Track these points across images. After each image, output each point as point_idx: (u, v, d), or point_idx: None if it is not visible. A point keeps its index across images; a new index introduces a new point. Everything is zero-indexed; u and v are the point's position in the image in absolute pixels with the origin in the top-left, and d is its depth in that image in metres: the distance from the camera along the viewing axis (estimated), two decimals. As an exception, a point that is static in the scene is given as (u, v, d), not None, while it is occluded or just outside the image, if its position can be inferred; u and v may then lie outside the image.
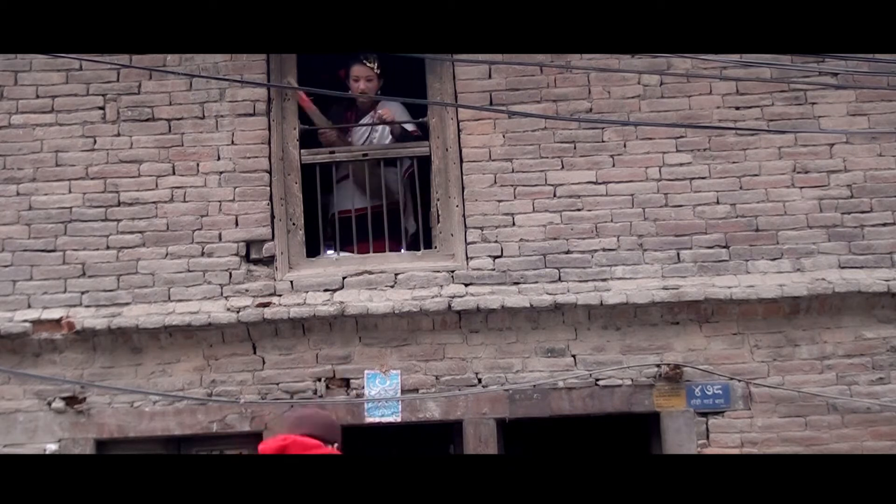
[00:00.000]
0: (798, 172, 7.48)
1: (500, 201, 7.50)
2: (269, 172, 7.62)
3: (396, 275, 7.46)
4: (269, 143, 7.66)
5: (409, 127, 8.04)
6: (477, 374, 7.32)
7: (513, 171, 7.53)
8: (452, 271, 7.45)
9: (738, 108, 7.58)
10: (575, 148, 7.56)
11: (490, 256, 7.43)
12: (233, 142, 7.62)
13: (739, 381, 7.21)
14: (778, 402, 7.21)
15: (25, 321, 7.31)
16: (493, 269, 7.40)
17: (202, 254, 7.48)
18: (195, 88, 7.68)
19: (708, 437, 7.18)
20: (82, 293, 7.43)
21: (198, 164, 7.60)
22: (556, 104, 7.60)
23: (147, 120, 7.66)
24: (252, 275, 7.46)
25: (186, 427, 7.29)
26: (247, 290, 7.41)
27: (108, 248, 7.49)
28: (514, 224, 7.47)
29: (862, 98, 7.54)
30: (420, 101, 7.75)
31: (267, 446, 4.15)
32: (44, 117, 7.67)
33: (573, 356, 7.32)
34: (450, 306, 7.26)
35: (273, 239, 7.53)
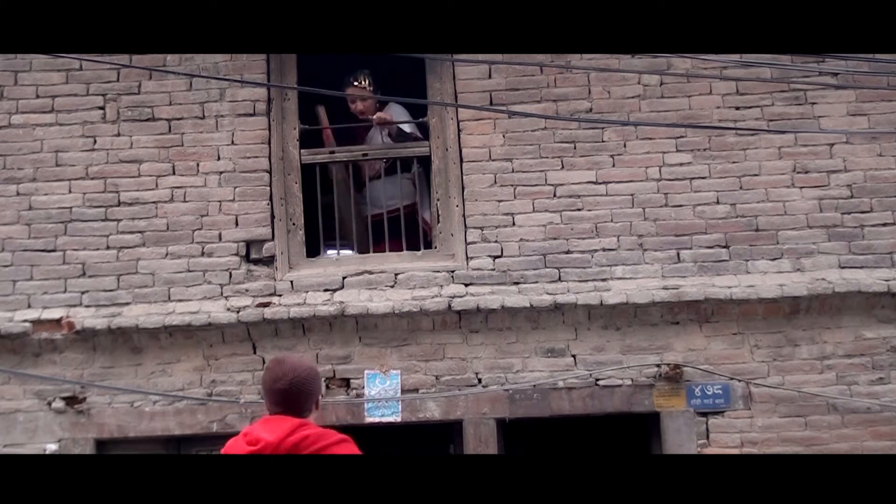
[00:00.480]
0: (798, 172, 7.48)
1: (500, 201, 7.51)
2: (269, 172, 7.63)
3: (396, 275, 7.47)
4: (269, 143, 7.67)
5: (408, 128, 8.05)
6: (477, 374, 7.32)
7: (513, 171, 7.54)
8: (452, 271, 7.45)
9: (738, 108, 7.58)
10: (575, 148, 7.56)
11: (490, 256, 7.43)
12: (233, 142, 7.62)
13: (739, 381, 7.21)
14: (778, 402, 7.21)
15: (25, 321, 7.32)
16: (493, 269, 7.41)
17: (202, 254, 7.48)
18: (195, 88, 7.68)
19: (708, 437, 7.18)
20: (82, 293, 7.43)
21: (198, 164, 7.60)
22: (556, 104, 7.60)
23: (147, 120, 7.66)
24: (252, 275, 7.46)
25: (186, 427, 7.29)
26: (247, 290, 7.41)
27: (108, 247, 7.49)
28: (514, 224, 7.47)
29: (862, 98, 7.54)
30: (420, 101, 7.76)
31: (272, 440, 3.94)
32: (44, 117, 7.68)
33: (573, 356, 7.32)
34: (450, 306, 7.26)
35: (273, 239, 7.53)
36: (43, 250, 7.50)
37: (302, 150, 7.82)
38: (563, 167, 7.53)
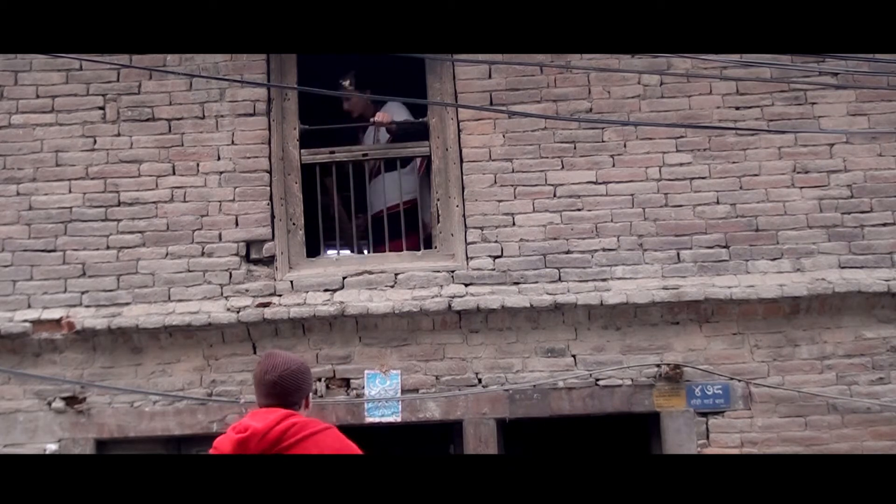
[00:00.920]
0: (798, 172, 7.48)
1: (500, 201, 7.51)
2: (269, 172, 7.63)
3: (396, 275, 7.47)
4: (270, 143, 7.67)
5: (403, 115, 8.05)
6: (477, 374, 7.32)
7: (513, 171, 7.54)
8: (452, 271, 7.45)
9: (738, 108, 7.58)
10: (575, 148, 7.56)
11: (490, 256, 7.43)
12: (233, 142, 7.63)
13: (739, 381, 7.21)
14: (778, 402, 7.21)
15: (25, 321, 7.32)
16: (493, 269, 7.41)
17: (202, 254, 7.49)
18: (195, 88, 7.68)
19: (708, 437, 7.18)
20: (82, 293, 7.43)
21: (198, 164, 7.61)
22: (556, 104, 7.60)
23: (147, 120, 7.66)
24: (252, 275, 7.46)
25: (186, 427, 7.29)
26: (247, 290, 7.41)
27: (108, 248, 7.49)
28: (514, 224, 7.47)
29: (862, 98, 7.55)
30: (420, 101, 7.76)
31: (260, 428, 3.91)
32: (44, 117, 7.68)
33: (573, 356, 7.33)
34: (450, 306, 7.26)
35: (273, 239, 7.53)
36: (43, 250, 7.50)
37: (302, 150, 7.82)
38: (563, 167, 7.53)
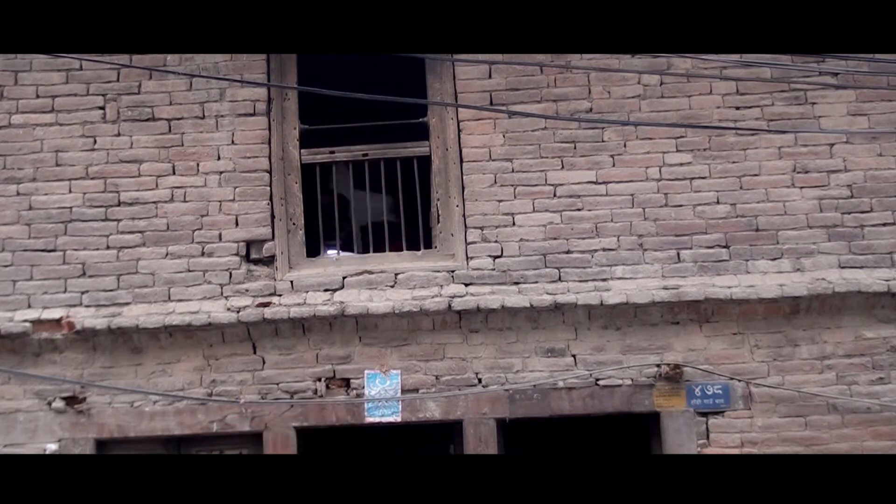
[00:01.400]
0: (798, 172, 7.48)
1: (500, 201, 7.51)
2: (270, 172, 7.63)
3: (396, 275, 7.47)
4: (270, 143, 7.67)
5: None
6: (477, 373, 7.32)
7: (513, 171, 7.54)
8: (452, 271, 7.45)
9: (738, 108, 7.58)
10: (575, 148, 7.56)
11: (490, 256, 7.43)
12: (233, 141, 7.63)
13: (739, 380, 7.21)
14: (778, 402, 7.21)
15: (25, 321, 7.32)
16: (493, 269, 7.41)
17: (202, 254, 7.49)
18: (195, 88, 7.68)
19: (708, 437, 7.18)
20: (82, 293, 7.43)
21: (198, 164, 7.61)
22: (556, 104, 7.60)
23: (147, 120, 7.66)
24: (252, 274, 7.46)
25: (186, 427, 7.29)
26: (247, 290, 7.41)
27: (108, 247, 7.49)
28: (514, 224, 7.47)
29: (862, 98, 7.54)
30: (420, 101, 7.75)
31: None
32: (44, 117, 7.68)
33: (573, 356, 7.32)
34: (450, 306, 7.26)
35: (273, 239, 7.53)
36: (43, 250, 7.50)
37: (302, 150, 7.82)
38: (563, 167, 7.53)
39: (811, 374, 7.25)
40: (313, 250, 8.09)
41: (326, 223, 8.22)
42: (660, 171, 7.51)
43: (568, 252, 7.43)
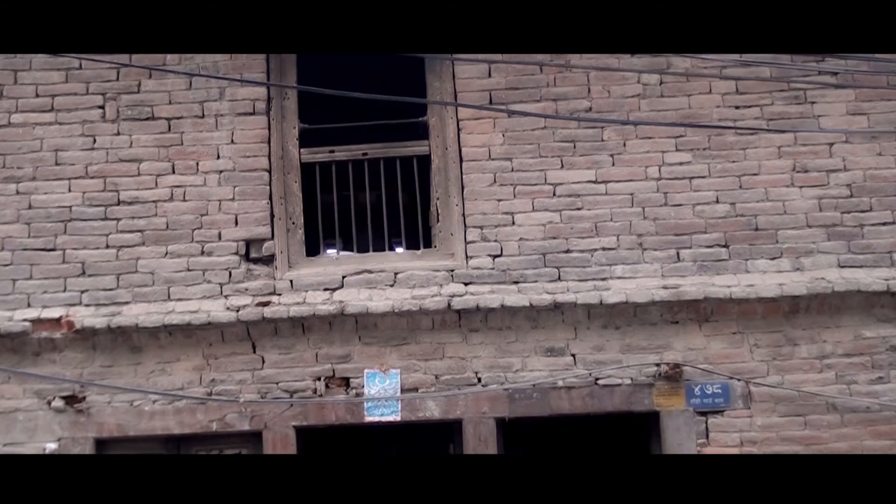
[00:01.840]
0: (798, 172, 7.49)
1: (499, 200, 7.51)
2: (269, 171, 7.63)
3: (396, 274, 7.47)
4: (269, 142, 7.67)
5: None
6: (476, 373, 7.33)
7: (512, 171, 7.54)
8: (452, 270, 7.45)
9: (737, 108, 7.58)
10: (574, 147, 7.56)
11: (490, 255, 7.43)
12: (232, 141, 7.63)
13: (739, 380, 7.21)
14: (777, 402, 7.21)
15: (25, 320, 7.31)
16: (493, 269, 7.41)
17: (202, 253, 7.49)
18: (195, 87, 7.68)
19: (707, 437, 7.18)
20: (82, 292, 7.43)
21: (197, 164, 7.60)
22: (555, 103, 7.60)
23: (147, 119, 7.66)
24: (252, 274, 7.46)
25: (186, 426, 7.29)
26: (246, 289, 7.41)
27: (107, 246, 7.49)
28: (513, 223, 7.47)
29: (862, 97, 7.55)
30: (420, 101, 7.74)
31: None
32: (43, 116, 7.68)
33: (573, 355, 7.33)
34: (449, 305, 7.26)
35: (273, 238, 7.53)
36: (42, 249, 7.50)
37: (302, 150, 7.82)
38: (562, 166, 7.53)
39: (811, 373, 7.25)
40: (313, 249, 8.10)
41: (326, 222, 8.21)
42: (659, 170, 7.51)
43: (567, 251, 7.43)
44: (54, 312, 7.36)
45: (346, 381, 7.34)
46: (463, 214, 7.54)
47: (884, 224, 7.41)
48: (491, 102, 7.58)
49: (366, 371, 7.32)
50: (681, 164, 7.52)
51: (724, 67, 7.45)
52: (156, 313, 7.31)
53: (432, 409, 7.29)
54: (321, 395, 7.28)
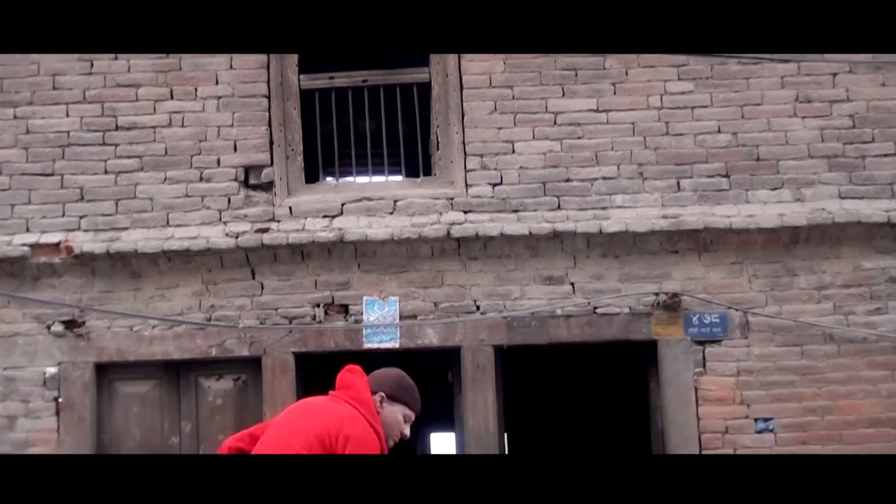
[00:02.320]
0: (800, 102, 7.44)
1: (499, 129, 7.47)
2: (268, 98, 7.58)
3: (395, 201, 7.44)
4: (268, 68, 7.61)
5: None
6: (475, 301, 7.34)
7: (513, 99, 7.49)
8: (451, 198, 7.43)
9: (741, 36, 7.51)
10: (576, 75, 7.51)
11: (489, 184, 7.41)
12: (231, 66, 7.57)
13: (737, 310, 7.24)
14: (775, 332, 7.24)
15: (24, 245, 7.31)
16: (493, 197, 7.39)
17: (200, 179, 7.46)
18: (193, 12, 7.60)
19: (705, 366, 7.22)
20: (80, 217, 7.42)
21: (196, 89, 7.55)
22: (557, 31, 7.53)
23: (145, 43, 7.59)
24: (251, 200, 7.44)
25: (185, 351, 7.33)
26: (245, 216, 7.40)
27: (106, 172, 7.46)
28: (513, 152, 7.44)
29: (866, 27, 7.48)
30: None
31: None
32: (40, 40, 7.60)
33: (572, 284, 7.34)
34: (449, 233, 7.25)
35: (272, 165, 7.50)
36: (41, 174, 7.47)
37: (301, 76, 7.76)
38: (563, 95, 7.48)
39: (809, 303, 7.27)
40: (312, 177, 8.07)
41: (325, 150, 8.17)
42: (661, 99, 7.47)
43: (567, 180, 7.41)
44: (53, 237, 7.36)
45: (345, 309, 7.36)
46: (463, 142, 7.51)
47: (885, 155, 7.39)
48: (492, 29, 7.50)
49: (365, 298, 7.33)
50: (683, 93, 7.47)
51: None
52: (155, 239, 7.31)
53: (431, 337, 7.31)
54: (320, 322, 7.29)
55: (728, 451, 7.12)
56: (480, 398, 7.27)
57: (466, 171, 7.45)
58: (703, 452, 7.11)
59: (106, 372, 7.41)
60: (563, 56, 7.47)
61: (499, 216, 7.34)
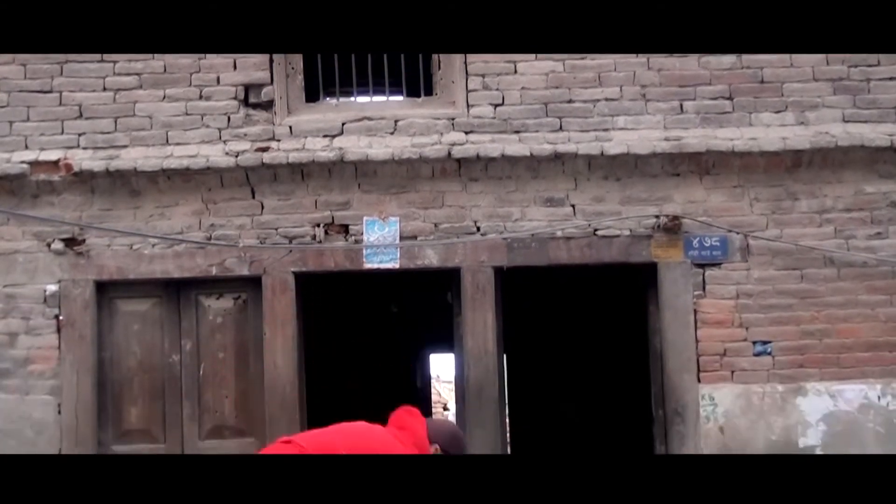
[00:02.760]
0: (806, 23, 7.36)
1: (502, 48, 7.39)
2: (268, 15, 7.48)
3: (396, 121, 7.39)
4: (268, -15, 7.50)
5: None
6: (476, 222, 7.33)
7: (516, 18, 7.40)
8: (453, 119, 7.38)
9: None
10: (580, -5, 7.41)
11: (491, 104, 7.36)
12: (231, -17, 7.46)
13: (738, 233, 7.23)
14: (775, 255, 7.24)
15: (23, 162, 7.27)
16: (494, 118, 7.34)
17: (200, 97, 7.40)
18: (192, -74, 7.48)
19: (704, 289, 7.23)
20: (79, 135, 7.37)
21: (195, 5, 7.46)
22: (561, -52, 7.42)
23: (143, -42, 7.48)
24: (251, 119, 7.39)
25: (186, 270, 7.33)
26: (245, 135, 7.35)
27: (104, 89, 7.40)
28: (515, 72, 7.37)
29: (875, -53, 7.37)
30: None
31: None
32: (37, -46, 7.50)
33: (572, 206, 7.32)
34: (450, 154, 7.22)
35: (272, 83, 7.44)
36: (39, 91, 7.41)
37: (301, -7, 7.65)
38: (567, 14, 7.39)
39: (809, 227, 7.27)
40: (312, 96, 8.00)
41: (326, 68, 8.09)
42: (665, 19, 7.37)
43: (570, 101, 7.35)
44: (52, 155, 7.32)
45: (345, 228, 7.35)
46: (465, 62, 7.44)
47: (890, 79, 7.34)
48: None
49: (365, 218, 7.32)
50: (687, 13, 7.37)
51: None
52: (154, 157, 7.27)
53: (431, 257, 7.31)
54: (320, 242, 7.29)
55: (726, 373, 7.16)
56: (480, 319, 7.29)
57: (468, 91, 7.39)
58: (701, 374, 7.16)
59: (106, 290, 7.42)
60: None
61: (500, 137, 7.29)
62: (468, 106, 7.38)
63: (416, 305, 10.71)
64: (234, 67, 7.41)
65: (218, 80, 7.41)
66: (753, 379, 7.18)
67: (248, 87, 7.42)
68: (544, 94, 7.35)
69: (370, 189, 7.35)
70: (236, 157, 7.25)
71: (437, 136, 7.32)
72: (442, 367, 20.68)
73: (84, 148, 7.35)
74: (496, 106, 7.36)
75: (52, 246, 7.32)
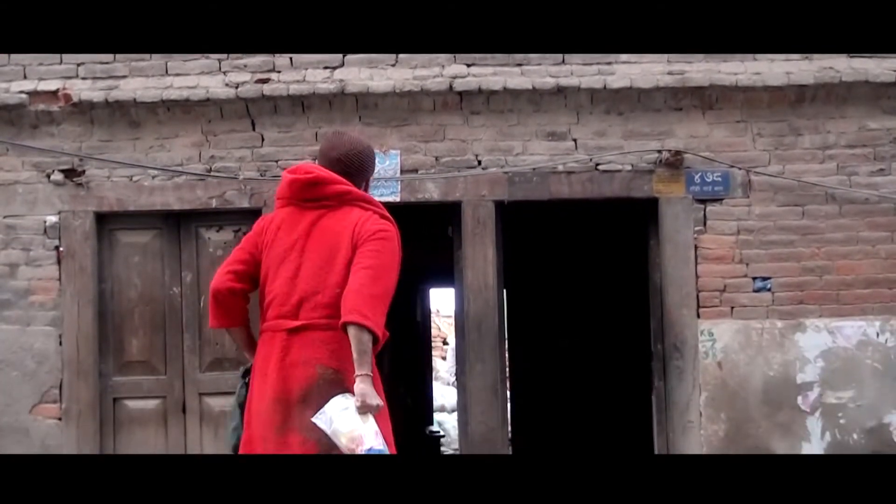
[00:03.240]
0: (813, -44, 7.27)
1: (504, -21, 7.31)
2: (268, -56, 7.40)
3: (397, 54, 7.33)
4: (268, -87, 7.41)
5: None
6: (477, 155, 7.30)
7: (519, -51, 7.31)
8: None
9: None
10: (584, -75, 7.32)
11: (493, 37, 7.28)
12: (230, -90, 7.37)
13: (740, 168, 7.20)
14: (777, 191, 7.22)
15: (22, 92, 7.24)
16: (496, 50, 7.28)
17: (200, 27, 7.33)
18: None
19: (705, 224, 7.22)
20: (78, 65, 7.31)
21: (194, -66, 7.37)
22: None
23: None
24: (251, 50, 7.33)
25: (186, 202, 7.32)
26: (245, 66, 7.29)
27: (103, 18, 7.33)
28: (518, 4, 7.29)
29: None
30: None
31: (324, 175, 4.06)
32: None
33: (574, 140, 7.28)
34: (451, 87, 7.17)
35: (272, 13, 7.36)
36: (37, 20, 7.34)
37: (302, -78, 7.56)
38: (571, -55, 7.30)
39: (812, 163, 7.24)
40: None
41: None
42: (671, -49, 7.29)
43: (573, 34, 7.28)
44: (51, 85, 7.28)
45: (346, 161, 7.30)
46: (467, -6, 7.35)
47: (897, 13, 7.25)
48: None
49: (366, 151, 7.26)
50: (693, -55, 7.29)
51: None
52: (153, 88, 7.23)
53: (432, 191, 7.29)
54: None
55: (725, 309, 7.17)
56: (480, 253, 7.29)
57: (470, 23, 7.32)
58: (701, 310, 7.18)
59: (106, 221, 7.42)
60: None
61: (502, 70, 7.24)
62: (470, 38, 7.31)
63: (418, 240, 10.69)
64: (234, -3, 7.32)
65: (218, 10, 7.33)
66: (753, 315, 7.19)
67: (248, 18, 7.34)
68: (547, 27, 7.27)
69: (371, 121, 7.31)
70: (236, 88, 7.20)
71: (438, 69, 7.26)
72: (442, 302, 20.72)
73: (83, 78, 7.30)
74: (498, 38, 7.28)
75: (52, 177, 7.30)
